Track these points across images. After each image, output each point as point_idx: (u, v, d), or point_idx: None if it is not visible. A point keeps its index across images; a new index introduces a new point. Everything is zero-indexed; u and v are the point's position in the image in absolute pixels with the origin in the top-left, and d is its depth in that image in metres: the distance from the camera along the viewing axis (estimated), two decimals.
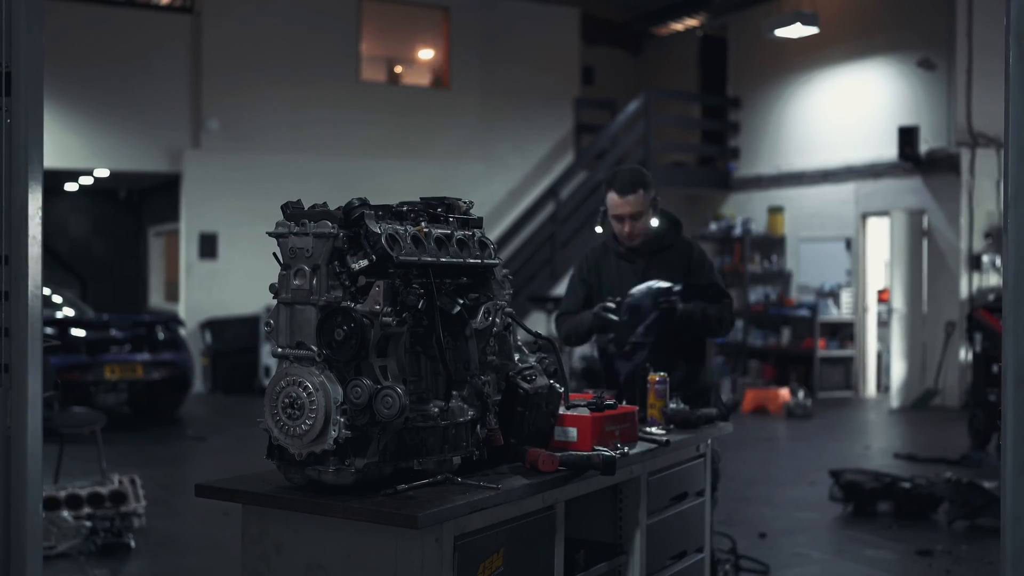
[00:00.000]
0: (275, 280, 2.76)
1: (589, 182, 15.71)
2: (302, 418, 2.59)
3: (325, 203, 2.76)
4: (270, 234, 2.73)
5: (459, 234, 2.93)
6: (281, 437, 2.64)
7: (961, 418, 11.17)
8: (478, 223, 3.06)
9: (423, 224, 2.85)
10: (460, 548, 2.54)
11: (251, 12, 15.10)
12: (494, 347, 2.98)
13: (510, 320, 3.04)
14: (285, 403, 2.62)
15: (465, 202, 3.05)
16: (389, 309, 2.64)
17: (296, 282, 2.66)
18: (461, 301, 2.86)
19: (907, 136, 13.50)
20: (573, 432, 3.17)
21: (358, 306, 2.63)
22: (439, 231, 2.87)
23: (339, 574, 2.60)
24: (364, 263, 2.64)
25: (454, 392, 2.74)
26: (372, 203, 2.76)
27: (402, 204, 2.90)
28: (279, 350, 2.69)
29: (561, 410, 3.26)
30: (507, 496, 2.68)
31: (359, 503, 2.53)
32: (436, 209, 2.96)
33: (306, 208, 2.75)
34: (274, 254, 2.77)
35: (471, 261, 2.92)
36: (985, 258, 13.22)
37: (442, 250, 2.83)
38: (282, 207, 2.75)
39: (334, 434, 2.57)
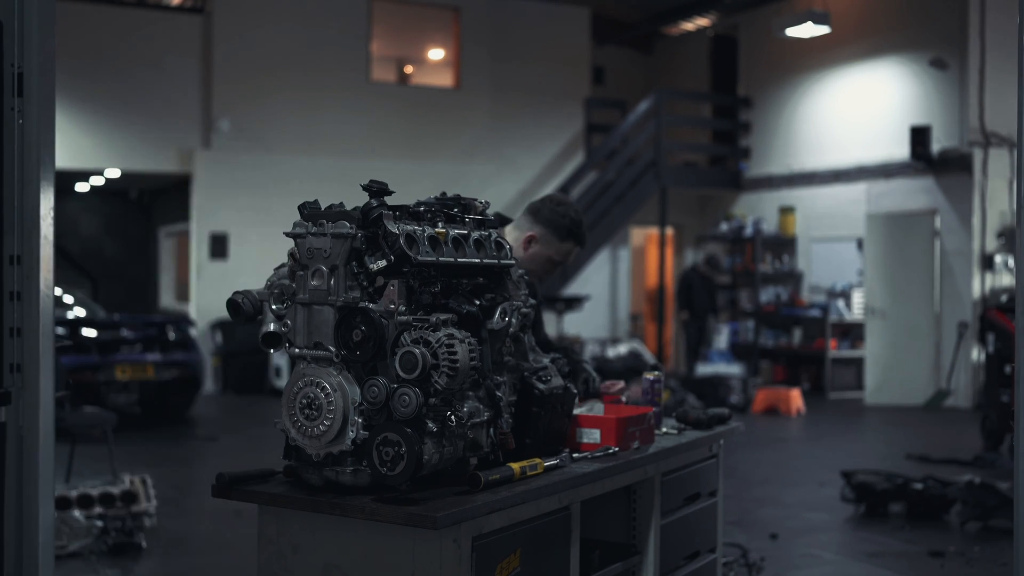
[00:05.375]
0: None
1: (600, 182, 15.70)
2: (320, 419, 2.58)
3: (342, 203, 2.75)
4: (287, 234, 2.73)
5: (476, 234, 2.93)
6: (299, 437, 2.64)
7: (973, 419, 11.14)
8: (494, 223, 3.05)
9: (441, 225, 2.84)
10: (478, 549, 2.54)
11: (262, 13, 15.12)
12: (510, 347, 2.97)
13: (526, 321, 3.04)
14: (303, 404, 2.62)
15: (481, 202, 3.04)
16: (404, 308, 2.64)
17: (314, 282, 2.66)
18: (477, 302, 2.85)
19: (919, 136, 13.47)
20: (597, 433, 3.18)
21: (374, 306, 2.62)
22: (456, 231, 2.87)
23: (356, 575, 2.60)
24: (383, 263, 2.63)
25: (470, 392, 2.73)
26: (387, 203, 2.76)
27: (419, 204, 2.90)
28: (296, 351, 2.69)
29: (581, 410, 3.25)
30: (524, 496, 2.67)
31: (377, 504, 2.53)
32: (452, 209, 2.95)
33: (322, 208, 2.74)
34: (290, 253, 2.76)
35: (488, 261, 2.92)
36: (998, 258, 13.18)
37: (459, 250, 2.83)
38: (299, 207, 2.74)
39: (352, 435, 2.56)
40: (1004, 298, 12.41)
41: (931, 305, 13.60)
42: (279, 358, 13.63)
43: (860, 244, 14.73)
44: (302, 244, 2.69)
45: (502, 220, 3.93)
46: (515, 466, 2.74)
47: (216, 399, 13.89)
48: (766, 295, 15.79)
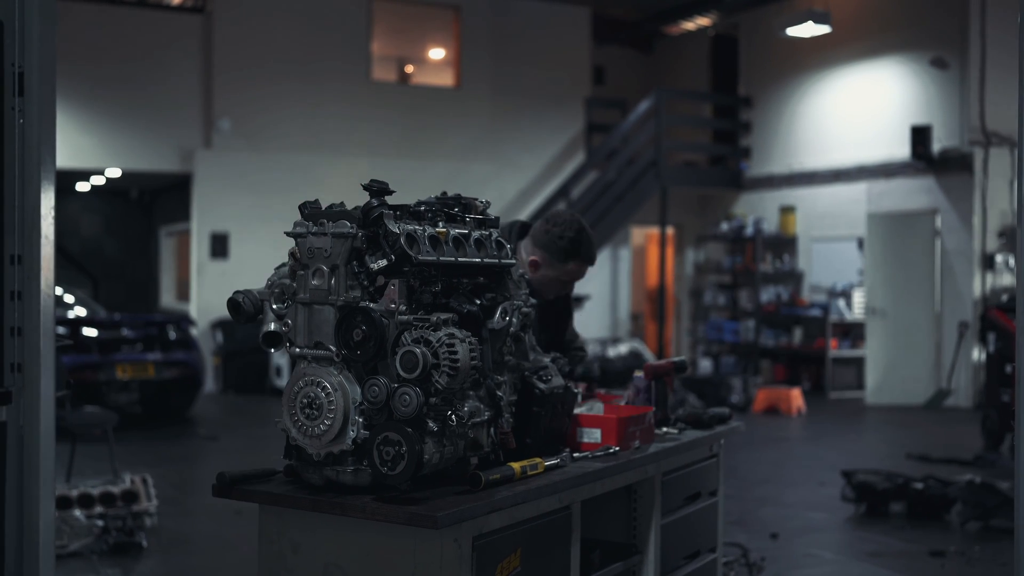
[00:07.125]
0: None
1: (600, 182, 15.69)
2: (320, 418, 2.58)
3: (342, 202, 2.75)
4: (288, 234, 2.73)
5: (476, 234, 2.93)
6: (299, 437, 2.64)
7: (974, 419, 11.14)
8: (495, 223, 3.05)
9: (442, 225, 2.84)
10: (479, 548, 2.54)
11: (262, 12, 15.12)
12: (510, 347, 2.97)
13: (526, 320, 3.03)
14: (303, 403, 2.61)
15: (482, 202, 3.04)
16: (405, 307, 2.64)
17: (314, 282, 2.66)
18: (478, 301, 2.85)
19: (920, 135, 13.47)
20: (597, 433, 3.18)
21: (375, 306, 2.62)
22: (457, 231, 2.86)
23: (357, 575, 2.60)
24: (383, 263, 2.63)
25: (471, 392, 2.73)
26: (388, 203, 2.76)
27: (419, 203, 2.90)
28: (297, 350, 2.69)
29: (581, 410, 3.25)
30: (525, 496, 2.67)
31: (378, 503, 2.53)
32: (453, 209, 2.95)
33: (323, 208, 2.74)
34: (291, 253, 2.76)
35: (488, 261, 2.92)
36: (998, 258, 13.18)
37: (460, 250, 2.83)
38: (300, 207, 2.74)
39: (352, 434, 2.56)
40: (1005, 298, 12.40)
41: (932, 305, 13.60)
42: (280, 357, 13.62)
43: (861, 244, 14.72)
44: (303, 243, 2.69)
45: (524, 230, 3.96)
46: (516, 466, 2.74)
47: (217, 398, 13.89)
48: (767, 295, 15.78)
